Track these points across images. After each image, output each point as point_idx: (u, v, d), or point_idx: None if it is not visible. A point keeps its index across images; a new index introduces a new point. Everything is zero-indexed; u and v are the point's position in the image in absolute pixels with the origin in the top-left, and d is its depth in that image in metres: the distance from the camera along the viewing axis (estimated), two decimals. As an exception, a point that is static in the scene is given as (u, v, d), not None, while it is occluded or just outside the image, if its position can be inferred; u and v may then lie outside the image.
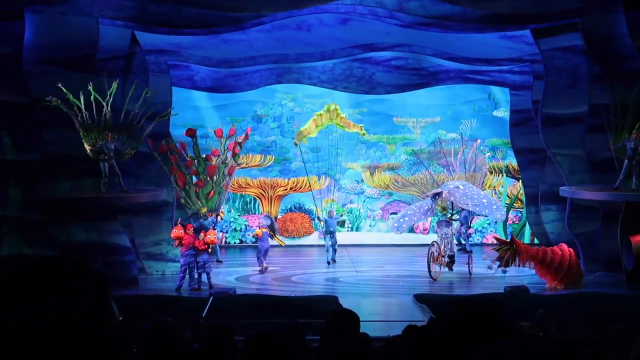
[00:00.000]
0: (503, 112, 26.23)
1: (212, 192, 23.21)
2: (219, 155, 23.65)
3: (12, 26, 17.12)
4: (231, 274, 20.09)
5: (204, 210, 21.67)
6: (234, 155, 23.67)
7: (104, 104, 17.29)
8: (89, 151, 17.27)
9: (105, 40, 17.99)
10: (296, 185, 26.36)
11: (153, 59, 20.98)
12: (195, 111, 25.55)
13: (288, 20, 20.78)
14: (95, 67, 17.71)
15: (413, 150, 26.02)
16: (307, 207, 26.31)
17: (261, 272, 20.22)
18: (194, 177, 23.23)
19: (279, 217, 26.26)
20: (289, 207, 26.57)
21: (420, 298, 16.45)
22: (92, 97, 17.11)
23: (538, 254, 18.08)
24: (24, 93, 17.14)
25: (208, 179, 23.07)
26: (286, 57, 22.94)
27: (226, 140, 24.08)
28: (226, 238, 25.71)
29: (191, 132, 23.51)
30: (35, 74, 17.28)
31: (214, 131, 24.27)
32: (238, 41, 21.92)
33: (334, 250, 22.07)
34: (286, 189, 26.48)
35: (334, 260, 22.00)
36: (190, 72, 23.51)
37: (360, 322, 5.60)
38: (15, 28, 17.04)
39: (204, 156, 23.37)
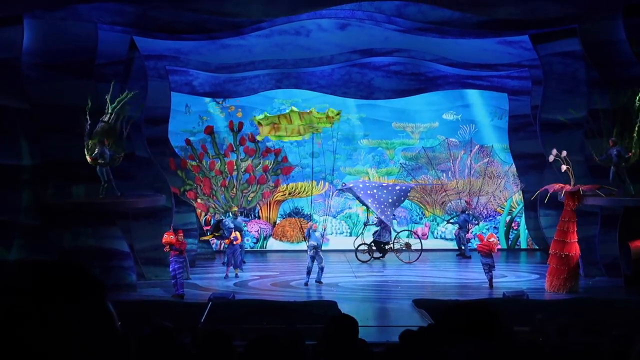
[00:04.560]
0: (452, 115, 26.21)
1: (235, 189, 23.63)
2: (234, 150, 24.32)
3: (11, 31, 17.08)
4: (230, 279, 20.09)
5: (235, 209, 22.10)
6: (252, 153, 24.40)
7: (110, 110, 17.46)
8: (89, 158, 17.26)
9: (104, 45, 17.97)
10: (295, 190, 26.35)
11: (152, 64, 21.01)
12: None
13: (287, 25, 20.82)
14: (94, 73, 17.72)
15: (423, 147, 25.93)
16: (305, 212, 26.31)
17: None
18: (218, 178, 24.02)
19: (277, 222, 26.27)
20: (287, 212, 26.54)
21: (419, 303, 16.46)
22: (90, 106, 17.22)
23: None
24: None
25: (229, 175, 23.59)
26: (285, 63, 22.95)
27: (237, 134, 24.64)
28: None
29: (209, 130, 24.15)
30: (34, 79, 17.28)
31: (228, 123, 25.13)
32: (237, 46, 21.95)
33: (321, 270, 19.67)
34: (285, 194, 26.46)
35: (320, 282, 19.62)
36: (189, 77, 23.52)
37: (359, 328, 5.60)
38: (14, 33, 17.00)
39: (222, 153, 24.00)
